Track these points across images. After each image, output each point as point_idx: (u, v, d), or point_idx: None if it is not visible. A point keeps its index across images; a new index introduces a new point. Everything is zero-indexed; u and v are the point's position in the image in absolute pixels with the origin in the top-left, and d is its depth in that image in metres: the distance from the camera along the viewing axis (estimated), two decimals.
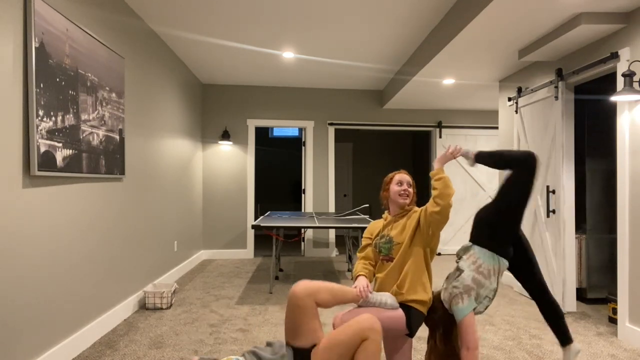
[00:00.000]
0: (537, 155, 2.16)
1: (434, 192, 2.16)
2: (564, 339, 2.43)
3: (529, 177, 2.18)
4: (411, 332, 2.18)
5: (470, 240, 2.34)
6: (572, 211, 3.88)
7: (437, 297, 2.32)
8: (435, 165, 2.28)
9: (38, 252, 2.46)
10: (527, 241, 2.44)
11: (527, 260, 2.41)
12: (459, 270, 2.26)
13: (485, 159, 2.35)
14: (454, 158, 2.31)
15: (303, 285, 2.06)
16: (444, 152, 2.38)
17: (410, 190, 2.34)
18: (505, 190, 2.24)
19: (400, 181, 2.34)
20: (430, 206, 2.15)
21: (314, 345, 2.00)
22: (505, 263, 2.28)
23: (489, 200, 2.45)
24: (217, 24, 4.16)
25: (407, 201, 2.33)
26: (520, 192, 2.20)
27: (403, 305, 2.18)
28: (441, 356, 2.24)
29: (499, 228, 2.25)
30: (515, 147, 4.65)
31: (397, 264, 2.23)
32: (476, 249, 2.27)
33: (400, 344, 2.31)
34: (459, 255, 2.35)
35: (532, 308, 4.00)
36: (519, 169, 2.19)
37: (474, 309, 2.18)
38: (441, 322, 2.26)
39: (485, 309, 2.27)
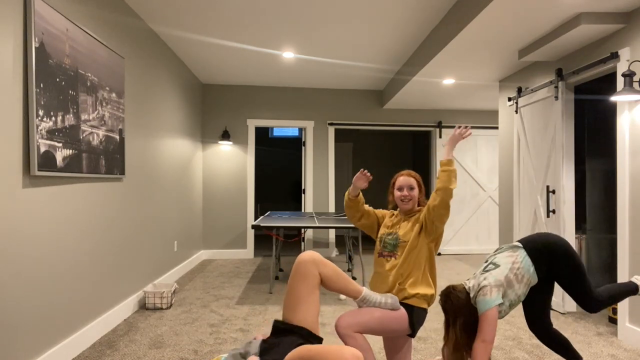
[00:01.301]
0: None
1: (436, 184, 2.17)
2: None
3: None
4: (413, 331, 2.18)
5: (519, 241, 2.38)
6: (572, 211, 3.88)
7: (461, 286, 2.32)
8: (446, 149, 2.25)
9: (38, 252, 2.46)
10: (554, 285, 2.47)
11: (546, 295, 2.43)
12: (493, 264, 2.28)
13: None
14: (463, 138, 2.25)
15: (310, 253, 2.06)
16: (452, 132, 2.35)
17: (413, 193, 2.31)
18: (582, 279, 2.31)
19: (400, 186, 2.33)
20: (431, 200, 2.16)
21: (303, 329, 1.96)
22: (535, 279, 2.31)
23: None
24: (218, 24, 4.16)
25: (409, 206, 2.31)
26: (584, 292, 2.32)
27: (405, 305, 2.17)
28: (459, 345, 2.23)
29: (556, 257, 2.30)
30: (515, 147, 4.65)
31: (401, 261, 2.21)
32: (523, 253, 2.30)
33: (401, 344, 2.31)
34: (500, 250, 2.36)
35: None
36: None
37: (499, 305, 2.18)
38: (463, 311, 2.24)
39: (504, 316, 2.27)
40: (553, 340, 2.42)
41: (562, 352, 2.43)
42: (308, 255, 2.05)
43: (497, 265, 2.26)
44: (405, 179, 2.33)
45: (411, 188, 2.31)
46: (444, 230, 7.04)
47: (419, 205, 2.37)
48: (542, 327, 2.42)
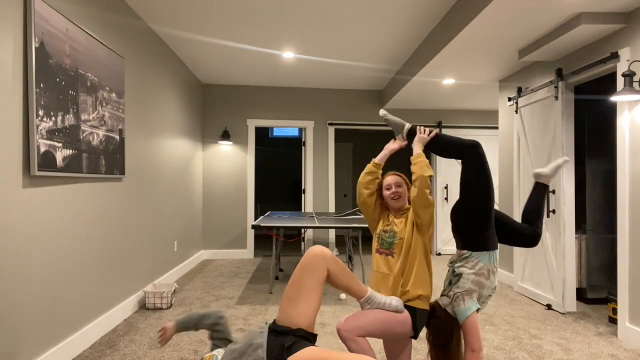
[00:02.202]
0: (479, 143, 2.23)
1: (413, 177, 2.19)
2: (541, 187, 2.53)
3: (483, 165, 2.19)
4: (416, 333, 2.18)
5: (461, 248, 2.30)
6: (572, 211, 3.88)
7: (438, 304, 2.30)
8: (415, 148, 2.30)
9: (38, 252, 2.46)
10: (499, 212, 2.46)
11: (508, 229, 2.45)
12: (456, 276, 2.24)
13: (430, 143, 2.33)
14: (429, 138, 2.31)
15: (321, 248, 2.02)
16: (418, 134, 2.36)
17: (400, 189, 2.32)
18: (468, 188, 2.23)
19: (388, 185, 2.34)
20: (411, 192, 2.19)
21: (298, 329, 1.90)
22: (497, 253, 2.28)
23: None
24: (217, 24, 4.16)
25: (400, 203, 2.32)
26: (483, 182, 2.20)
27: (408, 307, 2.17)
28: None
29: (480, 227, 2.24)
30: (515, 147, 4.65)
31: (400, 260, 2.21)
32: (474, 254, 2.26)
33: (402, 345, 2.31)
34: (453, 262, 2.32)
35: (532, 308, 4.00)
36: (470, 159, 2.20)
37: (478, 310, 2.17)
38: (441, 330, 2.23)
39: (486, 303, 2.27)
40: (533, 214, 2.49)
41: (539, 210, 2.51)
42: (318, 249, 2.02)
43: (459, 276, 2.23)
44: (392, 178, 2.36)
45: (398, 185, 2.33)
46: (444, 230, 7.04)
47: (408, 203, 2.37)
48: (529, 222, 2.49)
